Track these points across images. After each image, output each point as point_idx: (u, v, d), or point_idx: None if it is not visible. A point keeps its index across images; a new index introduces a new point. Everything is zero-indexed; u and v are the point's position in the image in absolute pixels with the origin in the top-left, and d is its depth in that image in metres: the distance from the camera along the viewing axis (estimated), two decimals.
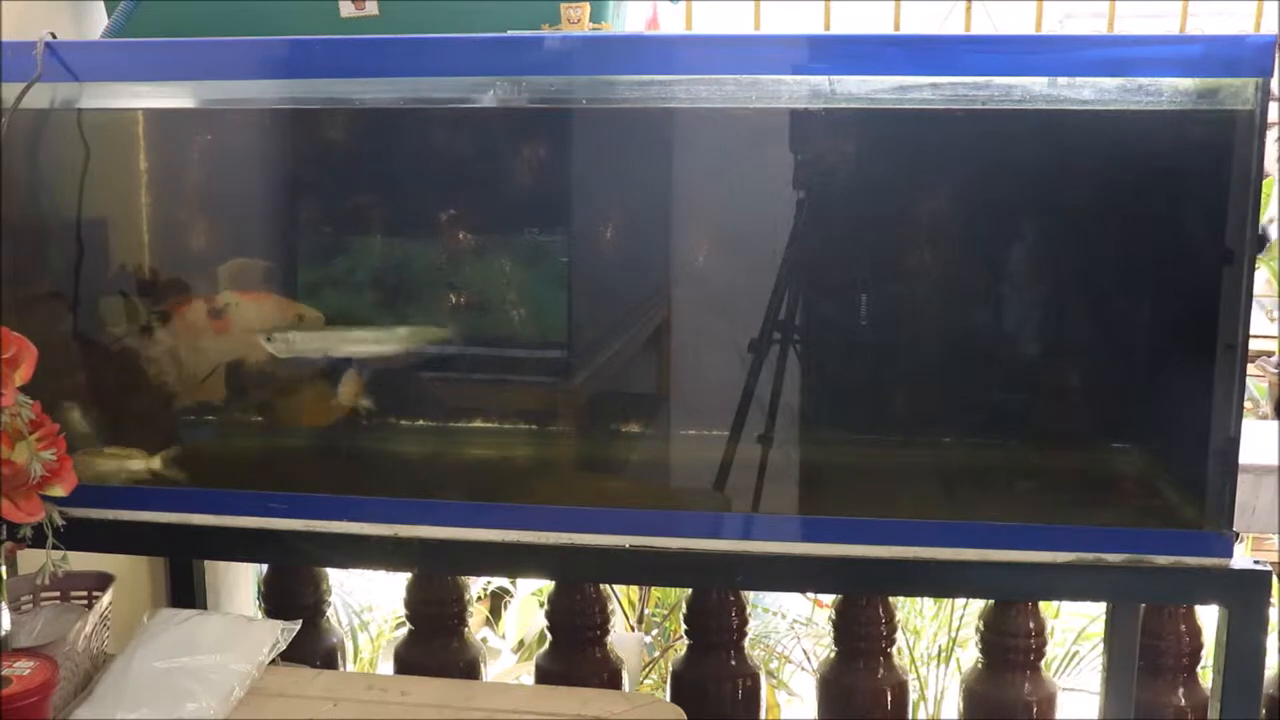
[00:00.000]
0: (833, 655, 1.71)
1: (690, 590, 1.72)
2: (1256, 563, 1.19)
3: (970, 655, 1.79)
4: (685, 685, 1.69)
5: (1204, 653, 1.63)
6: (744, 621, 1.69)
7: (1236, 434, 1.16)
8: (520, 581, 2.62)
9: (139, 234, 1.41)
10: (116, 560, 1.39)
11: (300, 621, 1.31)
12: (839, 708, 1.68)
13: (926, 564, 1.22)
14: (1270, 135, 1.11)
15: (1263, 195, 1.12)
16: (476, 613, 2.43)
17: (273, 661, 1.27)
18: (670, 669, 1.74)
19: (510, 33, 1.27)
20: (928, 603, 2.45)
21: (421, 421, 1.43)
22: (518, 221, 1.34)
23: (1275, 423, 1.87)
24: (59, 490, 1.12)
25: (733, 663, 1.69)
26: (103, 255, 1.38)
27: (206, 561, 1.72)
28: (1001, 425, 1.31)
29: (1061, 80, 1.14)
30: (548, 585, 1.84)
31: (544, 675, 1.69)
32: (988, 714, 1.64)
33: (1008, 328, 1.31)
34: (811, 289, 1.30)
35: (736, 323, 1.30)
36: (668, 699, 1.67)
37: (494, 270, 1.35)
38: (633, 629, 2.49)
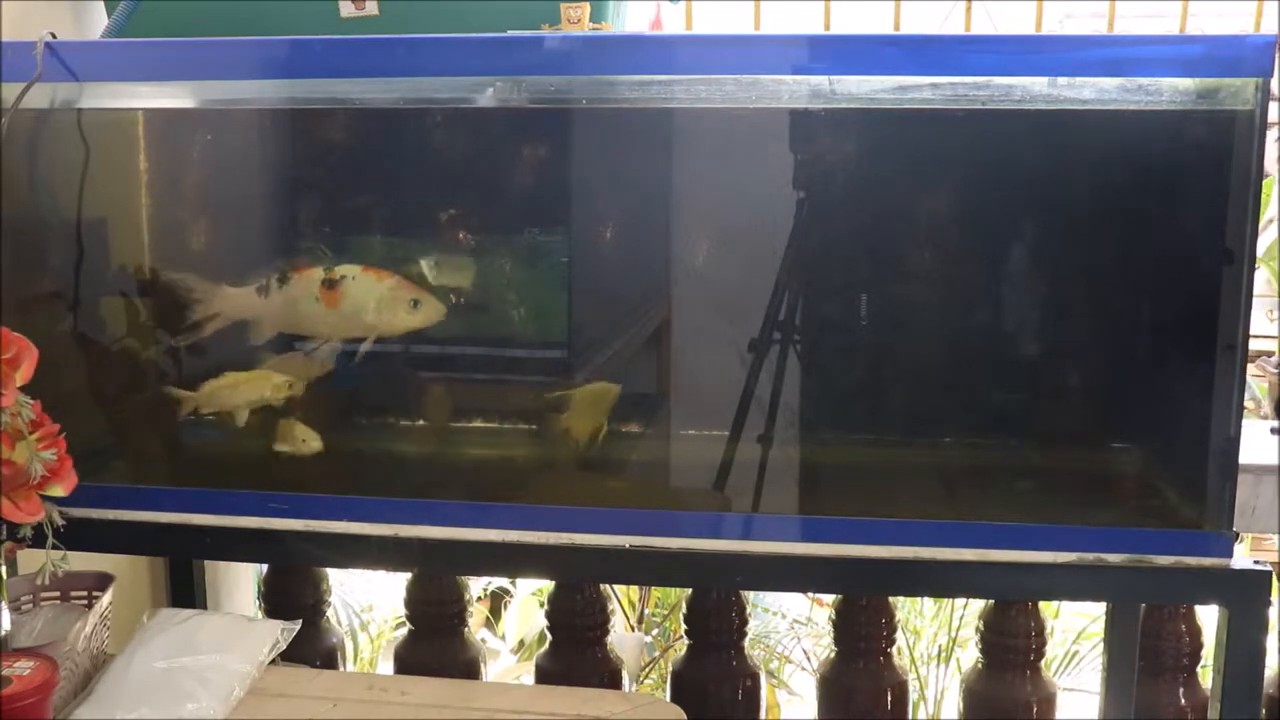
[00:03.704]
0: (833, 655, 1.71)
1: (690, 590, 1.72)
2: (1256, 563, 1.19)
3: (970, 655, 1.78)
4: (685, 685, 1.69)
5: (1204, 653, 1.62)
6: (744, 621, 1.69)
7: (1236, 434, 1.16)
8: (520, 581, 2.62)
9: (139, 233, 1.41)
10: (116, 560, 1.39)
11: (300, 621, 1.31)
12: (839, 708, 1.68)
13: (926, 564, 1.22)
14: (1270, 135, 1.11)
15: (1263, 195, 1.12)
16: (476, 613, 2.43)
17: (273, 661, 1.27)
18: (670, 669, 1.74)
19: (510, 33, 1.27)
20: (928, 603, 2.44)
21: (421, 421, 1.43)
22: (518, 221, 1.34)
23: (1276, 423, 1.86)
24: (59, 490, 1.12)
25: (733, 663, 1.69)
26: (103, 255, 1.38)
27: (206, 561, 1.72)
28: (1002, 425, 1.31)
29: (1061, 80, 1.14)
30: (548, 585, 1.84)
31: (544, 675, 1.69)
32: (988, 714, 1.64)
33: (1007, 328, 1.31)
34: (811, 289, 1.30)
35: (736, 323, 1.30)
36: (668, 699, 1.66)
37: (494, 270, 1.35)
38: (633, 629, 2.49)
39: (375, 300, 1.29)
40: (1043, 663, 1.65)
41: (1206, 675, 1.62)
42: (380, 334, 1.31)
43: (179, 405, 1.36)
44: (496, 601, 2.72)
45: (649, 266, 1.34)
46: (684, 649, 1.75)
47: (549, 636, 1.72)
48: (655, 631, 2.54)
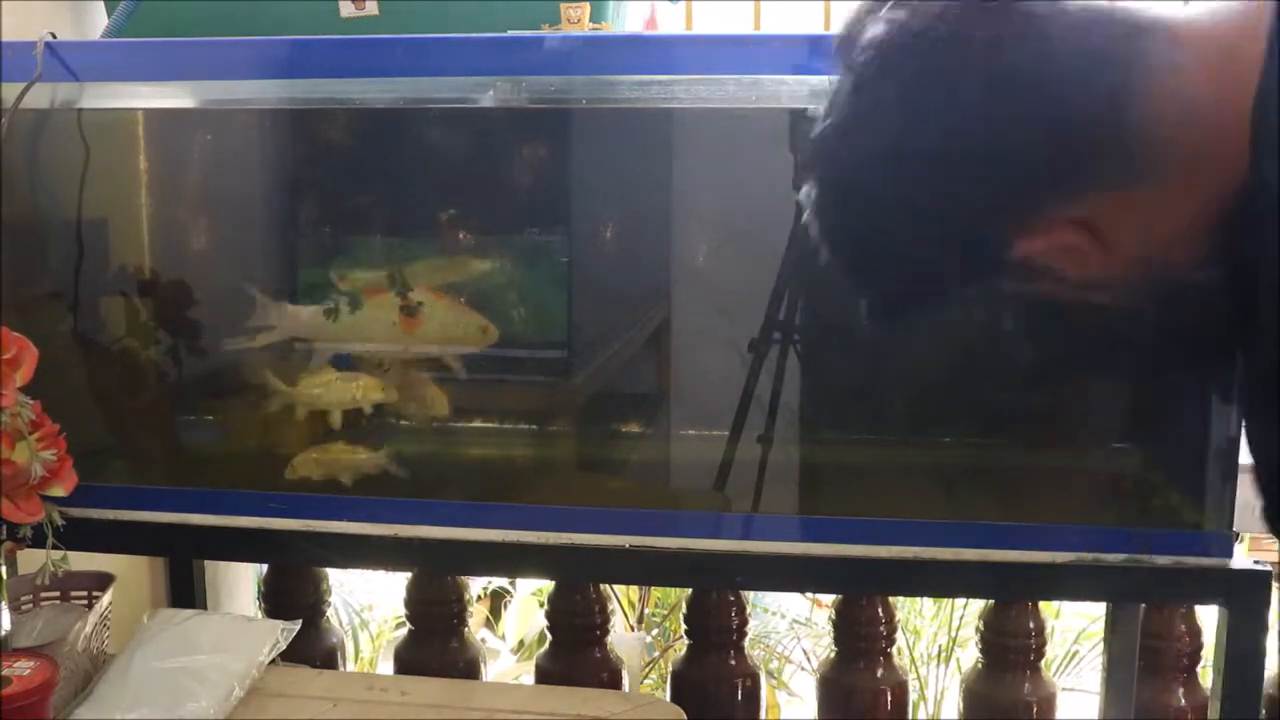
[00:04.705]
0: (833, 655, 1.71)
1: (690, 590, 1.72)
2: (1256, 563, 1.19)
3: (970, 655, 1.78)
4: (685, 685, 1.69)
5: (1204, 653, 1.62)
6: (744, 621, 1.69)
7: (1237, 434, 1.16)
8: (520, 581, 2.62)
9: (139, 233, 1.41)
10: (116, 560, 1.39)
11: (300, 621, 1.31)
12: (839, 708, 1.68)
13: (926, 564, 1.22)
14: None
15: None
16: (476, 613, 2.43)
17: (273, 661, 1.27)
18: (670, 669, 1.74)
19: (510, 33, 1.27)
20: (928, 603, 2.44)
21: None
22: (518, 221, 1.34)
23: None
24: (59, 490, 1.12)
25: (733, 663, 1.68)
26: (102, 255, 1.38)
27: (206, 561, 1.72)
28: (1002, 425, 1.31)
29: None
30: (548, 585, 1.84)
31: (544, 675, 1.69)
32: (988, 714, 1.64)
33: (1008, 327, 1.31)
34: (811, 289, 1.30)
35: (737, 323, 1.30)
36: (668, 699, 1.66)
37: (494, 270, 1.35)
38: (633, 629, 2.49)
39: (455, 328, 1.32)
40: (1043, 663, 1.65)
41: (1206, 675, 1.62)
42: (447, 353, 1.34)
43: (272, 397, 1.35)
44: (496, 601, 2.72)
45: (649, 266, 1.34)
46: (684, 649, 1.74)
47: (549, 636, 1.72)
48: (655, 631, 2.54)
